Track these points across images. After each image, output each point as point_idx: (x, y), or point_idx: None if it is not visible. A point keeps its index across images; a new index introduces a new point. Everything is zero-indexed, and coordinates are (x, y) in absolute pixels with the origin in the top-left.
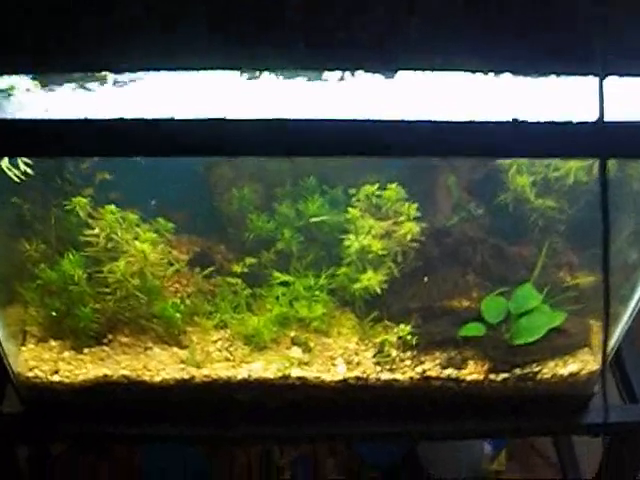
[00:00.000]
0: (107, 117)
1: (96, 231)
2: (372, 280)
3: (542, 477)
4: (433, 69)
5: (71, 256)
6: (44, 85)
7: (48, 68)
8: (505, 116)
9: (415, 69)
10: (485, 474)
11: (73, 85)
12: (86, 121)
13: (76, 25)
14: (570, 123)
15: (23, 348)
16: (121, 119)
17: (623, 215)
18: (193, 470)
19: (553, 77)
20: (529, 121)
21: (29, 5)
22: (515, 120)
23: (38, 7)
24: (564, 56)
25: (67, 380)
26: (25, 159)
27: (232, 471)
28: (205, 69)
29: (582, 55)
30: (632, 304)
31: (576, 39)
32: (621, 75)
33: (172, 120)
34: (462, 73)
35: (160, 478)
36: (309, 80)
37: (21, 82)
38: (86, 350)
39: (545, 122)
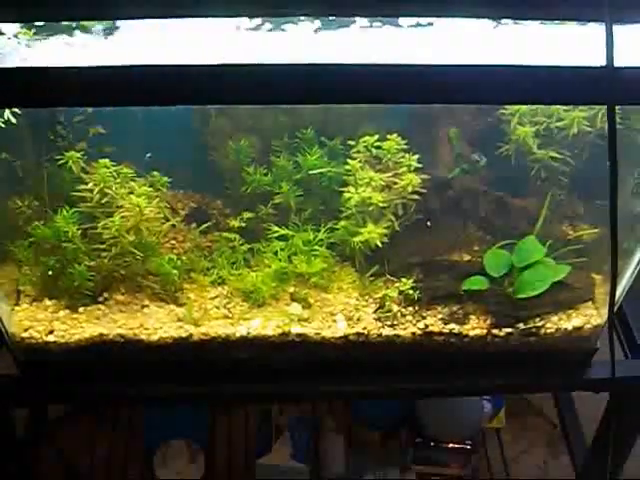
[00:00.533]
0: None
1: (90, 186)
2: (372, 233)
3: (540, 436)
4: (439, 16)
5: (65, 212)
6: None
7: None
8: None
9: (419, 16)
10: (485, 432)
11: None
12: (80, 69)
13: None
14: (578, 68)
15: (17, 308)
16: (124, 66)
17: (627, 167)
18: (194, 429)
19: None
20: (537, 65)
21: None
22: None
23: None
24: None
25: (62, 340)
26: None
27: (231, 430)
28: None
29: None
30: (636, 258)
31: None
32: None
33: (171, 66)
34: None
35: (162, 434)
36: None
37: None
38: (81, 309)
39: (553, 67)
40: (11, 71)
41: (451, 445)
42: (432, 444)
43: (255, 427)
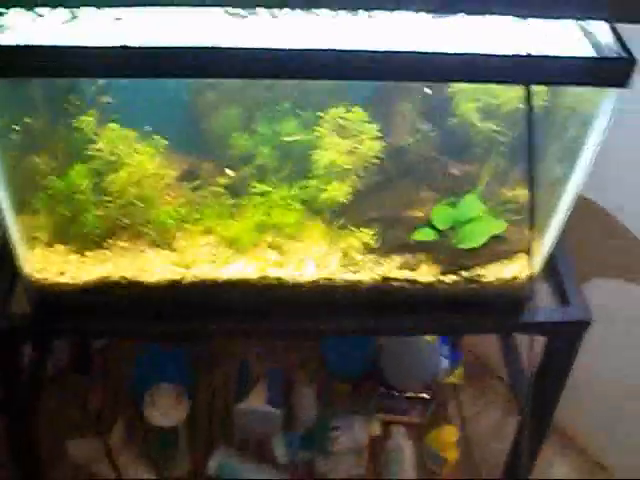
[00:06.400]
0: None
1: (100, 145)
2: (338, 191)
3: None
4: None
5: (78, 168)
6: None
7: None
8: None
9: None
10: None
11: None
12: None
13: None
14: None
15: (32, 252)
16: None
17: (553, 136)
18: (180, 375)
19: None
20: (474, 53)
21: None
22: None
23: None
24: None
25: (72, 281)
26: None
27: (213, 377)
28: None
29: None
30: (559, 214)
31: None
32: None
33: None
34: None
35: (152, 379)
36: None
37: None
38: (89, 253)
39: (483, 54)
40: None
41: (410, 395)
42: (394, 394)
43: (235, 375)
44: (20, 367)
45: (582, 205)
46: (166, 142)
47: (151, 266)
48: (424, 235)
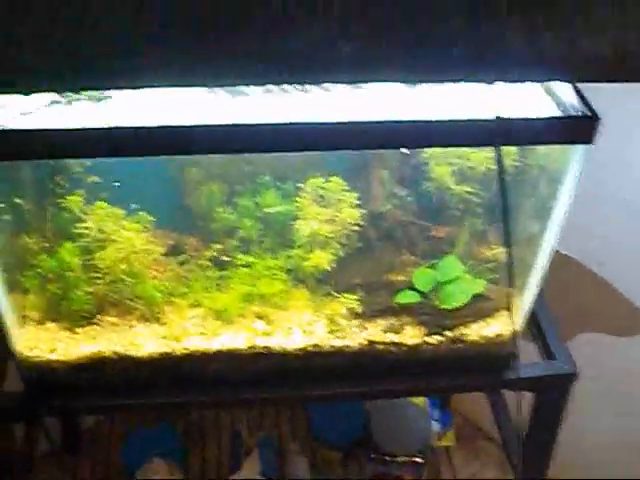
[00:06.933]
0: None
1: (88, 224)
2: (321, 259)
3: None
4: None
5: (67, 246)
6: None
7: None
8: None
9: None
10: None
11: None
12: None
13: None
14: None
15: (23, 330)
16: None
17: (525, 195)
18: (172, 456)
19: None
20: (443, 119)
21: None
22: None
23: None
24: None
25: (63, 358)
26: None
27: (205, 449)
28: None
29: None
30: (538, 270)
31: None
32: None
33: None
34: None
35: (143, 455)
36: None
37: None
38: (79, 330)
39: (452, 119)
40: None
41: (403, 459)
42: (385, 459)
43: (227, 446)
44: (12, 445)
45: (564, 262)
46: (152, 219)
47: (141, 340)
48: (407, 298)
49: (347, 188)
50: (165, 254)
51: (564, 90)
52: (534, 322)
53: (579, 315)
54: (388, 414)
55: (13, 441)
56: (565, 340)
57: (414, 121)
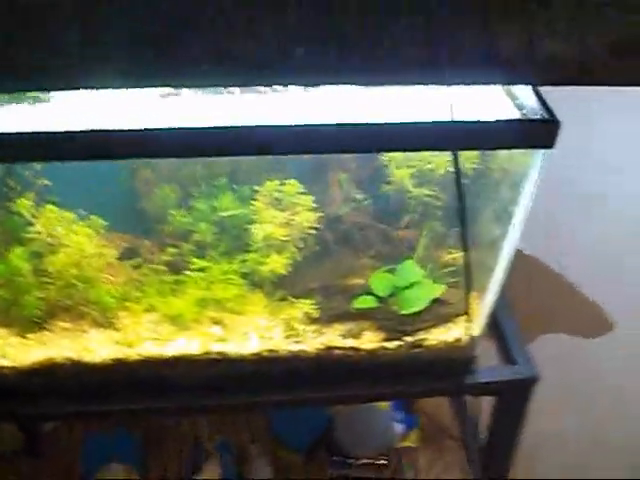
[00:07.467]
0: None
1: (38, 228)
2: (277, 263)
3: (453, 460)
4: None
5: (17, 250)
6: None
7: None
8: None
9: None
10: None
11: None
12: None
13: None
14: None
15: None
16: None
17: (485, 199)
18: (131, 461)
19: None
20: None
21: None
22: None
23: None
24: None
25: (14, 364)
26: None
27: (163, 453)
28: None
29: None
30: (497, 274)
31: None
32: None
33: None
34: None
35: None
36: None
37: None
38: (31, 335)
39: (409, 122)
40: None
41: (365, 461)
42: (347, 461)
43: (186, 450)
44: None
45: (526, 263)
46: (105, 222)
47: (94, 346)
48: (364, 303)
49: (304, 191)
50: (119, 258)
51: (524, 92)
52: (495, 325)
53: (543, 316)
54: (350, 416)
55: None
56: (529, 341)
57: (370, 124)
